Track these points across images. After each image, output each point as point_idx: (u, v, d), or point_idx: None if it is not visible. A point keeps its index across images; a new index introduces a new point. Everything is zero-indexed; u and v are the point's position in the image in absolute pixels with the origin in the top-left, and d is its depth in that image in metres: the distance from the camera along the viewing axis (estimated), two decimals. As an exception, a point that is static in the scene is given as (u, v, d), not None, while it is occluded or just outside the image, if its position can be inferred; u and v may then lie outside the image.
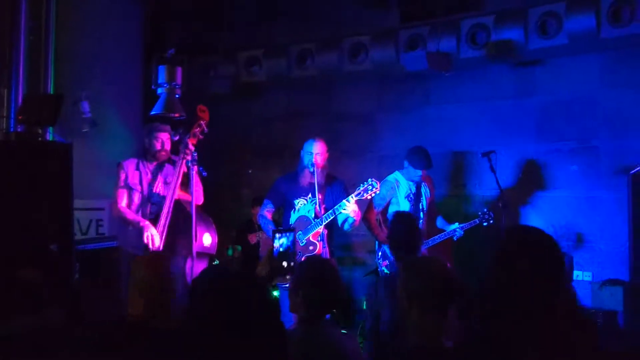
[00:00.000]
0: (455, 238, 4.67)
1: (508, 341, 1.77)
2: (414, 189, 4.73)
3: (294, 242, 2.49)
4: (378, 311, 3.08)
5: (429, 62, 5.00)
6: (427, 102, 5.74)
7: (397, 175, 4.78)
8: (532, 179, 5.20)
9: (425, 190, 4.80)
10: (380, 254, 4.72)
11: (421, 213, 4.72)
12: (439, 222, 4.88)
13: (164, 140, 4.31)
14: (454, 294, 2.11)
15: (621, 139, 4.82)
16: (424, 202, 4.75)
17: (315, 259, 3.23)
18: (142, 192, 4.33)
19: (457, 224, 4.67)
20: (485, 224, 4.58)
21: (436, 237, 4.70)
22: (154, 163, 4.37)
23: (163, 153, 4.33)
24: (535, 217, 5.09)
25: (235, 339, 1.71)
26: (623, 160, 4.67)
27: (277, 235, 2.46)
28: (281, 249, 2.45)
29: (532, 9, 4.81)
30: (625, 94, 4.85)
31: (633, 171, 4.19)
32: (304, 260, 2.79)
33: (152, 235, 4.10)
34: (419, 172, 4.67)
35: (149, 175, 4.36)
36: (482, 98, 5.45)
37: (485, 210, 4.62)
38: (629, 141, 4.75)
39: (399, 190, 4.74)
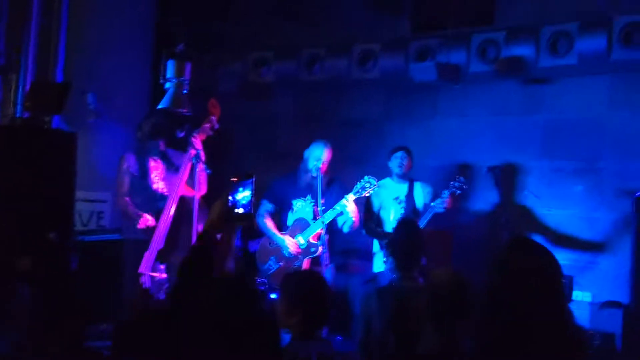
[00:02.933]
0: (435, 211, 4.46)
1: (502, 353, 1.74)
2: (405, 191, 4.69)
3: (253, 191, 2.29)
4: (369, 322, 3.04)
5: (438, 73, 5.00)
6: (434, 114, 5.72)
7: (385, 179, 4.76)
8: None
9: (419, 194, 4.72)
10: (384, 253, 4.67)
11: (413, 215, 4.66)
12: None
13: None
14: (469, 308, 2.16)
15: (626, 161, 4.81)
16: (418, 204, 4.68)
17: (306, 275, 3.02)
18: (143, 182, 4.34)
19: (432, 202, 4.51)
20: (458, 192, 4.43)
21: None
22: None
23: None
24: (537, 234, 5.06)
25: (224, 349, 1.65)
26: (627, 182, 4.65)
27: (240, 188, 2.21)
28: (243, 201, 2.25)
29: (544, 27, 4.80)
30: (633, 118, 4.84)
31: (638, 193, 4.19)
32: (294, 277, 2.68)
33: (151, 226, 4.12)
34: (398, 156, 4.62)
35: (151, 165, 4.37)
36: (489, 113, 5.43)
37: (458, 178, 4.44)
38: (634, 164, 4.74)
39: (385, 192, 4.70)
